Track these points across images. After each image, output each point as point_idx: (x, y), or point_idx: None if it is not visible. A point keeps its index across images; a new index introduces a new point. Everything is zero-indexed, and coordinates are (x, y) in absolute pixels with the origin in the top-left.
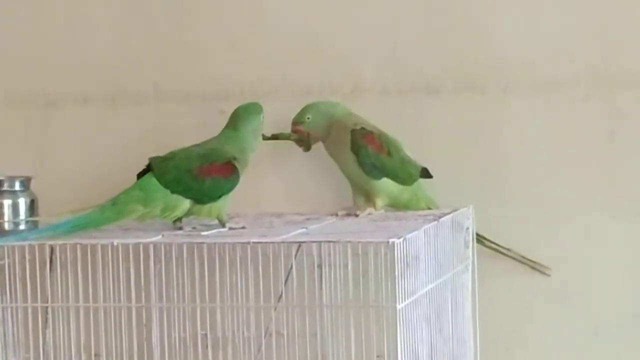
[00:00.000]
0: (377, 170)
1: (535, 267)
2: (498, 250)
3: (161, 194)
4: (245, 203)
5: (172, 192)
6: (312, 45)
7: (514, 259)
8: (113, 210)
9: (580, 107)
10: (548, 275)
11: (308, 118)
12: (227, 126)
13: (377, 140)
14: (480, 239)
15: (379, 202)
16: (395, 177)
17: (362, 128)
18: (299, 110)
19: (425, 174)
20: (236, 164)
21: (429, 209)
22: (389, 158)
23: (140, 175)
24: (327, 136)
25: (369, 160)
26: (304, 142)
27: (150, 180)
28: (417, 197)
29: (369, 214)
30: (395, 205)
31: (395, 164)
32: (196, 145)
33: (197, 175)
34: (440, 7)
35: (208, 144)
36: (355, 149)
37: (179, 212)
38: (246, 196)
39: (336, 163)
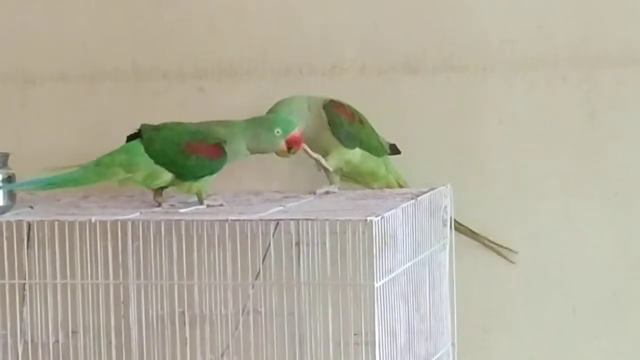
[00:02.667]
0: (352, 139)
1: (501, 252)
2: (467, 234)
3: (145, 162)
4: (223, 180)
5: (156, 162)
6: (291, 24)
7: (483, 244)
8: (95, 171)
9: (560, 87)
10: (513, 262)
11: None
12: (244, 123)
13: (348, 109)
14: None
15: (333, 160)
16: (367, 147)
17: (332, 100)
18: (276, 90)
19: (394, 150)
20: (225, 147)
21: (399, 185)
22: (361, 126)
23: (130, 137)
24: (306, 125)
25: (344, 128)
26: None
27: (137, 146)
28: (386, 169)
29: (326, 192)
30: (359, 171)
31: (368, 132)
32: (193, 123)
33: (183, 150)
34: None
35: (205, 123)
36: (330, 120)
37: (160, 182)
38: (224, 174)
39: (315, 146)
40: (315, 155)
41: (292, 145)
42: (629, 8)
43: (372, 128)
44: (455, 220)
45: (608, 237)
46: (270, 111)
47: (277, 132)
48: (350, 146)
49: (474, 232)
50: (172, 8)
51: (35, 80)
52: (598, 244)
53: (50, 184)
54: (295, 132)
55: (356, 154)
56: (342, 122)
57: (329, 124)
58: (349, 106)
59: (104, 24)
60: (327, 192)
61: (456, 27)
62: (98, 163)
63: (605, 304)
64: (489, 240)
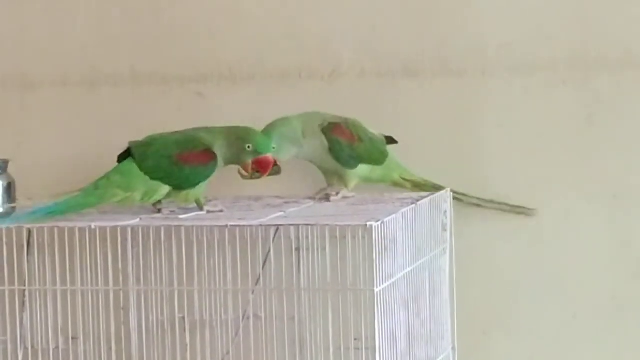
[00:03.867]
0: (353, 160)
1: (519, 211)
2: (480, 204)
3: (141, 180)
4: (223, 186)
5: (152, 178)
6: (289, 28)
7: (497, 209)
8: (95, 195)
9: (558, 90)
10: (533, 215)
11: (273, 148)
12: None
13: (346, 129)
14: (459, 197)
15: (352, 184)
16: (370, 161)
17: (329, 123)
18: (275, 94)
19: (390, 140)
20: (215, 150)
21: (404, 179)
22: (362, 144)
23: (120, 157)
24: (300, 149)
25: (344, 152)
26: (275, 170)
27: (131, 165)
28: (390, 170)
29: (342, 197)
30: (370, 181)
31: (367, 147)
32: (177, 132)
33: (177, 162)
34: None
35: (190, 130)
36: (331, 146)
37: (158, 197)
38: (224, 179)
39: (312, 163)
40: (341, 195)
41: (257, 168)
42: (627, 12)
43: (368, 136)
44: (463, 194)
45: (607, 239)
46: (264, 130)
47: (248, 147)
48: (353, 167)
49: (487, 201)
50: (170, 12)
51: (34, 84)
52: (597, 246)
53: (52, 212)
54: (268, 156)
55: (364, 170)
56: (342, 147)
57: (329, 149)
58: (346, 124)
59: (102, 29)
60: (345, 197)
61: (455, 31)
62: (97, 187)
63: (605, 308)
64: (505, 204)
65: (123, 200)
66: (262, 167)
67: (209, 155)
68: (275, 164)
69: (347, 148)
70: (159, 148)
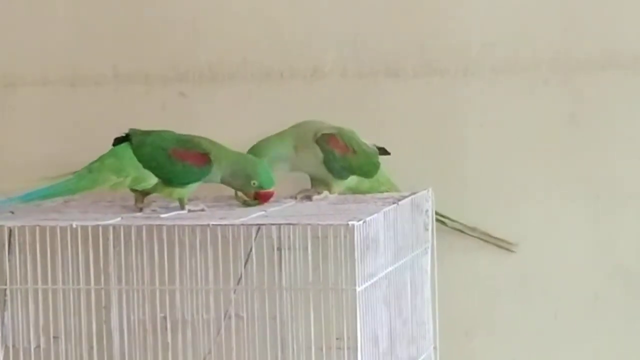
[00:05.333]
0: (345, 171)
1: (500, 245)
2: (462, 230)
3: (133, 165)
4: (205, 186)
5: (144, 166)
6: (272, 28)
7: (478, 238)
8: (88, 178)
9: (541, 90)
10: (514, 252)
11: None
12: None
13: (340, 141)
14: (442, 219)
15: (336, 190)
16: (362, 173)
17: (323, 134)
18: (257, 94)
19: (383, 151)
20: (211, 157)
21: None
22: (355, 156)
23: (116, 141)
24: (292, 165)
25: (338, 164)
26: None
27: (126, 149)
28: (378, 183)
29: (324, 197)
30: (356, 192)
31: (361, 160)
32: (181, 133)
33: (171, 156)
34: None
35: (193, 136)
36: (325, 157)
37: (146, 185)
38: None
39: (302, 172)
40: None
41: (259, 200)
42: (609, 11)
43: (362, 148)
44: (447, 217)
45: (590, 240)
46: (255, 150)
47: (254, 183)
48: (345, 177)
49: (471, 228)
50: (153, 12)
51: (15, 84)
52: (580, 247)
53: (47, 195)
54: (270, 190)
55: (353, 180)
56: (336, 158)
57: (323, 160)
58: (340, 135)
59: (84, 28)
60: (326, 198)
61: (437, 31)
62: (90, 169)
63: (587, 308)
64: (486, 234)
65: (114, 185)
66: (262, 199)
67: (203, 159)
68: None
69: (340, 160)
70: (158, 139)
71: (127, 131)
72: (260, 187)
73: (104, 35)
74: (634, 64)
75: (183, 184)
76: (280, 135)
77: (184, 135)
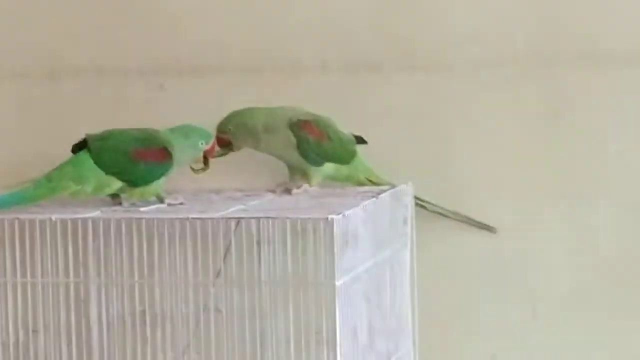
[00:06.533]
0: (320, 157)
1: (482, 227)
2: (442, 213)
3: (94, 173)
4: (183, 179)
5: (107, 173)
6: (251, 22)
7: (460, 221)
8: (47, 187)
9: (523, 86)
10: (494, 233)
11: (229, 129)
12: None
13: (315, 127)
14: (422, 203)
15: (315, 181)
16: (337, 160)
17: (299, 120)
18: (237, 87)
19: (360, 140)
20: (171, 150)
21: (370, 180)
22: (330, 142)
23: (75, 148)
24: (258, 142)
25: (312, 150)
26: (226, 149)
27: (85, 158)
28: (357, 170)
29: (304, 190)
30: (335, 180)
31: (336, 146)
32: (134, 129)
33: (132, 158)
34: None
35: (145, 129)
36: (298, 142)
37: (109, 191)
38: (184, 172)
39: (276, 157)
40: (302, 188)
41: (207, 155)
42: (590, 7)
43: (339, 137)
44: (427, 201)
45: (570, 236)
46: (223, 119)
47: (201, 143)
48: (319, 164)
49: (450, 211)
50: (132, 5)
51: None
52: (559, 244)
53: (5, 204)
54: (213, 142)
55: (330, 167)
56: (310, 144)
57: (297, 146)
58: (315, 121)
59: (64, 20)
60: (306, 191)
61: (419, 25)
62: (49, 179)
63: (565, 305)
64: (468, 218)
65: (74, 193)
66: (209, 154)
67: (164, 154)
68: (226, 144)
69: (314, 145)
70: (116, 142)
71: (83, 137)
72: (208, 143)
73: (84, 28)
74: (615, 59)
75: (148, 182)
76: (253, 109)
77: (139, 131)
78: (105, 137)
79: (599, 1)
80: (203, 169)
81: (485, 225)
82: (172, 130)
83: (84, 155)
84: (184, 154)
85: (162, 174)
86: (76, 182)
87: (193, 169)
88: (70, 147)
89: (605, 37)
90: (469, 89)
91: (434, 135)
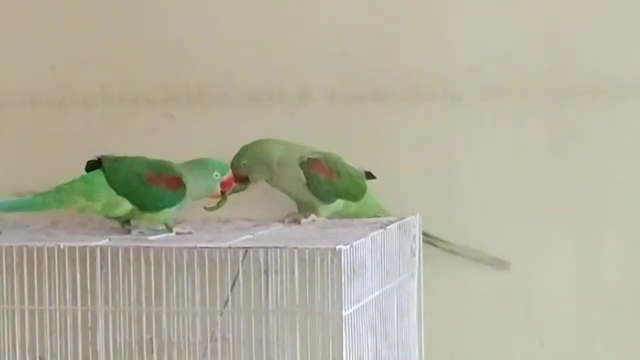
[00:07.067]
0: (330, 195)
1: (494, 263)
2: (453, 250)
3: (105, 192)
4: (192, 208)
5: (118, 193)
6: (260, 51)
7: (471, 258)
8: (56, 198)
9: (527, 116)
10: (507, 270)
11: (244, 164)
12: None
13: (326, 165)
14: (431, 240)
15: (323, 215)
16: (347, 197)
17: (309, 159)
18: (245, 117)
19: (369, 175)
20: (184, 181)
21: (377, 216)
22: (340, 180)
23: (88, 166)
24: (270, 176)
25: (322, 188)
26: (244, 184)
27: (99, 176)
28: (366, 206)
29: (312, 220)
30: (344, 215)
31: (346, 183)
32: (148, 157)
33: (145, 181)
34: (389, 15)
35: (159, 160)
36: (309, 181)
37: (119, 212)
38: (193, 202)
39: (286, 194)
40: (310, 219)
41: (224, 189)
42: (595, 38)
43: (349, 173)
44: (437, 238)
45: (574, 267)
46: (237, 154)
47: (216, 175)
48: (331, 201)
49: (460, 247)
50: (141, 33)
51: (3, 104)
52: (564, 274)
53: (11, 207)
54: (229, 174)
55: (339, 204)
56: (320, 183)
57: (307, 184)
58: (325, 159)
59: (73, 49)
60: (314, 221)
61: (425, 56)
62: (59, 190)
63: (572, 335)
64: (479, 252)
65: (83, 208)
66: (228, 186)
67: (177, 182)
68: (243, 180)
69: (325, 183)
70: (131, 164)
71: (98, 155)
72: (223, 175)
73: (93, 56)
74: (620, 90)
75: (158, 208)
76: (269, 141)
77: (154, 160)
78: (120, 159)
79: (604, 33)
80: (218, 206)
81: (497, 260)
82: (186, 163)
83: (97, 173)
84: (199, 186)
85: (173, 203)
86: (86, 198)
87: (206, 208)
88: (78, 174)
89: (611, 69)
90: (474, 120)
91: (439, 165)
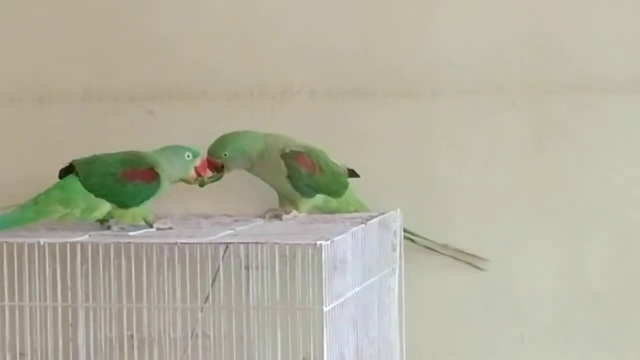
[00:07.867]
0: (311, 189)
1: (471, 262)
2: (432, 248)
3: (82, 197)
4: (172, 203)
5: (96, 195)
6: (242, 48)
7: (450, 256)
8: (34, 210)
9: (510, 113)
10: (484, 269)
11: (225, 155)
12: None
13: (308, 159)
14: (411, 236)
15: (303, 210)
16: (329, 192)
17: (291, 150)
18: (226, 113)
19: (352, 174)
20: (158, 170)
21: (358, 212)
22: (322, 175)
23: (61, 173)
24: (251, 166)
25: (303, 182)
26: (220, 175)
27: (73, 182)
28: (347, 202)
29: (294, 216)
30: (323, 210)
31: (328, 179)
32: (120, 152)
33: (120, 179)
34: (371, 11)
35: (131, 152)
36: (290, 173)
37: (98, 214)
38: (174, 197)
39: (267, 183)
40: (292, 215)
41: (200, 173)
42: (579, 35)
43: (331, 169)
44: (416, 234)
45: (556, 264)
46: (217, 143)
47: (188, 156)
48: (310, 196)
49: (439, 245)
50: (122, 30)
51: None
52: (546, 270)
53: None
54: (202, 159)
55: (320, 199)
56: (301, 176)
57: (288, 176)
58: (307, 153)
59: (54, 46)
60: (295, 217)
61: (406, 53)
62: (36, 202)
63: (553, 331)
64: (457, 251)
65: (63, 217)
66: (202, 170)
67: (152, 174)
68: (218, 169)
69: (306, 177)
70: (103, 165)
71: (70, 162)
72: (196, 157)
73: (73, 53)
74: (603, 88)
75: (138, 203)
76: (249, 132)
77: (126, 153)
78: (92, 161)
79: (588, 29)
80: (198, 180)
81: (476, 258)
82: (158, 150)
83: (71, 179)
84: (173, 168)
85: (151, 194)
86: (64, 206)
87: (187, 181)
88: (58, 171)
89: (595, 66)
90: (457, 116)
91: (421, 162)
